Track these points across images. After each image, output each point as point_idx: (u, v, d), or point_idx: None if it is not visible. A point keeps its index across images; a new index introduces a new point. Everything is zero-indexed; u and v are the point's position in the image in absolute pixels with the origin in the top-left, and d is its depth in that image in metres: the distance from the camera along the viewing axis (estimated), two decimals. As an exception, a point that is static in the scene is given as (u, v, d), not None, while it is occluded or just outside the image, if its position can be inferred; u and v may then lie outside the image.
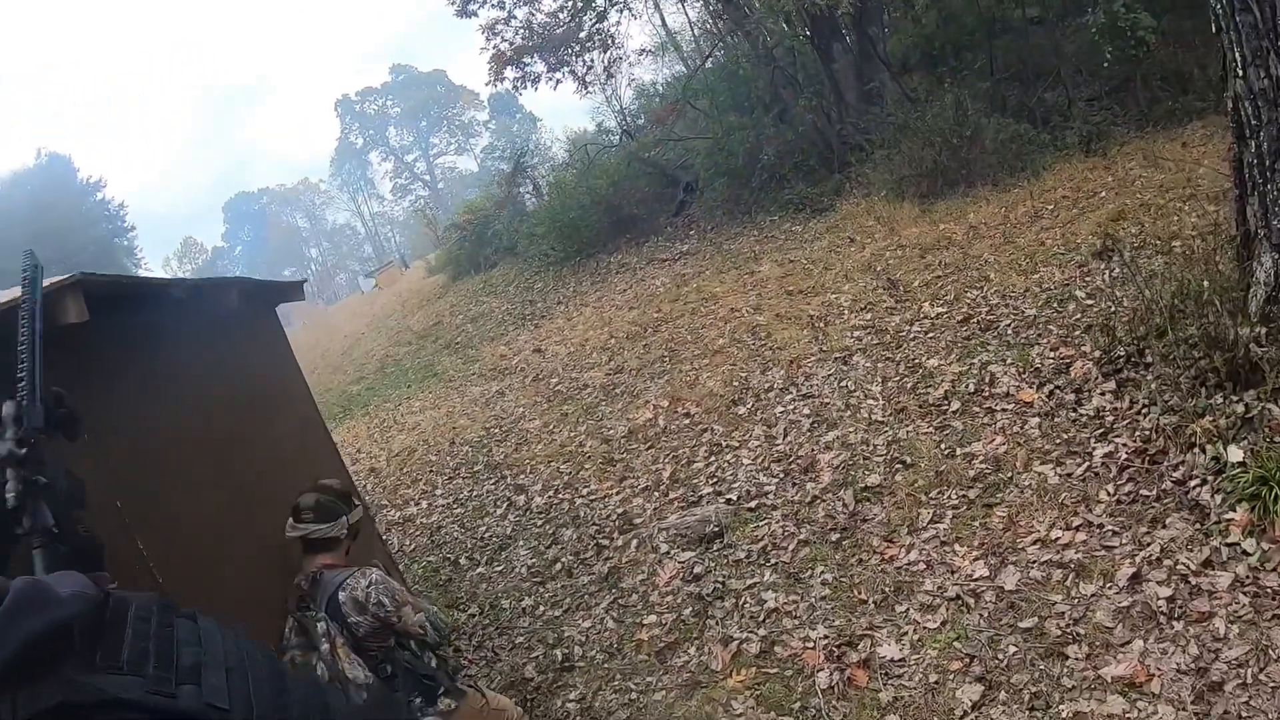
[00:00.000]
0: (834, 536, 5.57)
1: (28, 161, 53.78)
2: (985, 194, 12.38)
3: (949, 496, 5.43)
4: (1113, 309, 6.67)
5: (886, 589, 4.88)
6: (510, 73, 22.70)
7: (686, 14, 30.70)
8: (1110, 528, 4.58)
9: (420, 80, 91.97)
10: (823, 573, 5.26)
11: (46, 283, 3.22)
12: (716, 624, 5.26)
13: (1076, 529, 4.67)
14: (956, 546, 4.95)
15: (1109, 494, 4.84)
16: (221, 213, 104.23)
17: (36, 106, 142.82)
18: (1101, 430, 5.43)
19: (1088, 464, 5.16)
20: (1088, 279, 7.85)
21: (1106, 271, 7.76)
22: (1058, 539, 4.66)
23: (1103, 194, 10.36)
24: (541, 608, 6.42)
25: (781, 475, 6.71)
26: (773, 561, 5.61)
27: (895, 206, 13.51)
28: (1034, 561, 4.60)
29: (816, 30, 17.02)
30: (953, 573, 4.78)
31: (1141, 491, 4.75)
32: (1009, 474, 5.38)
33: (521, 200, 26.13)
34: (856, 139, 16.31)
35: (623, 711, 4.90)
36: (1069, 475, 5.15)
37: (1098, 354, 6.19)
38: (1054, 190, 11.27)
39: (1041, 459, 5.41)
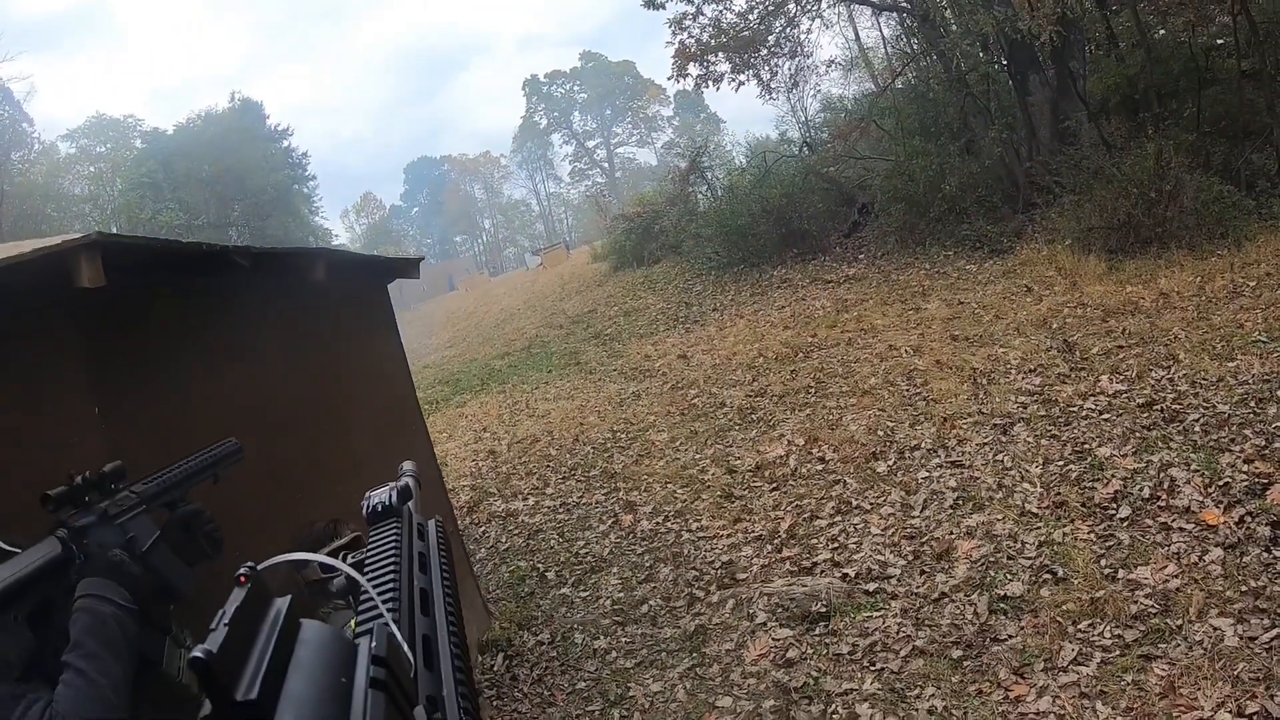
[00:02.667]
0: (956, 653, 4.76)
1: (222, 103, 56.02)
2: (1180, 258, 11.33)
3: (1102, 633, 4.52)
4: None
5: (1004, 741, 4.08)
6: (694, 69, 22.44)
7: (880, 29, 30.13)
8: (1295, 724, 3.65)
9: (609, 69, 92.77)
10: (932, 697, 4.46)
11: (59, 239, 2.91)
12: (798, 731, 4.54)
13: (1250, 717, 3.71)
14: (1099, 705, 4.03)
15: (1299, 677, 3.86)
16: (403, 174, 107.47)
17: (239, 55, 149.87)
18: (1301, 586, 4.46)
19: (1278, 630, 4.16)
20: (1293, 377, 6.83)
21: (1318, 372, 6.75)
22: (1225, 726, 3.75)
23: (1314, 276, 9.26)
24: (614, 654, 5.90)
25: (911, 557, 5.95)
26: (878, 667, 4.85)
27: (1080, 259, 12.58)
28: (1191, 750, 3.74)
29: (1014, 59, 16.40)
30: (1089, 738, 3.93)
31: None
32: (1178, 620, 4.44)
33: (693, 199, 25.80)
34: (1046, 179, 15.48)
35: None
36: (1252, 640, 4.15)
37: (1303, 478, 5.24)
38: (1257, 265, 10.17)
39: (1220, 608, 4.44)
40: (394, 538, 1.35)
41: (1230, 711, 3.75)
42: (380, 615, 1.07)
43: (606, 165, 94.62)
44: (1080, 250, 12.83)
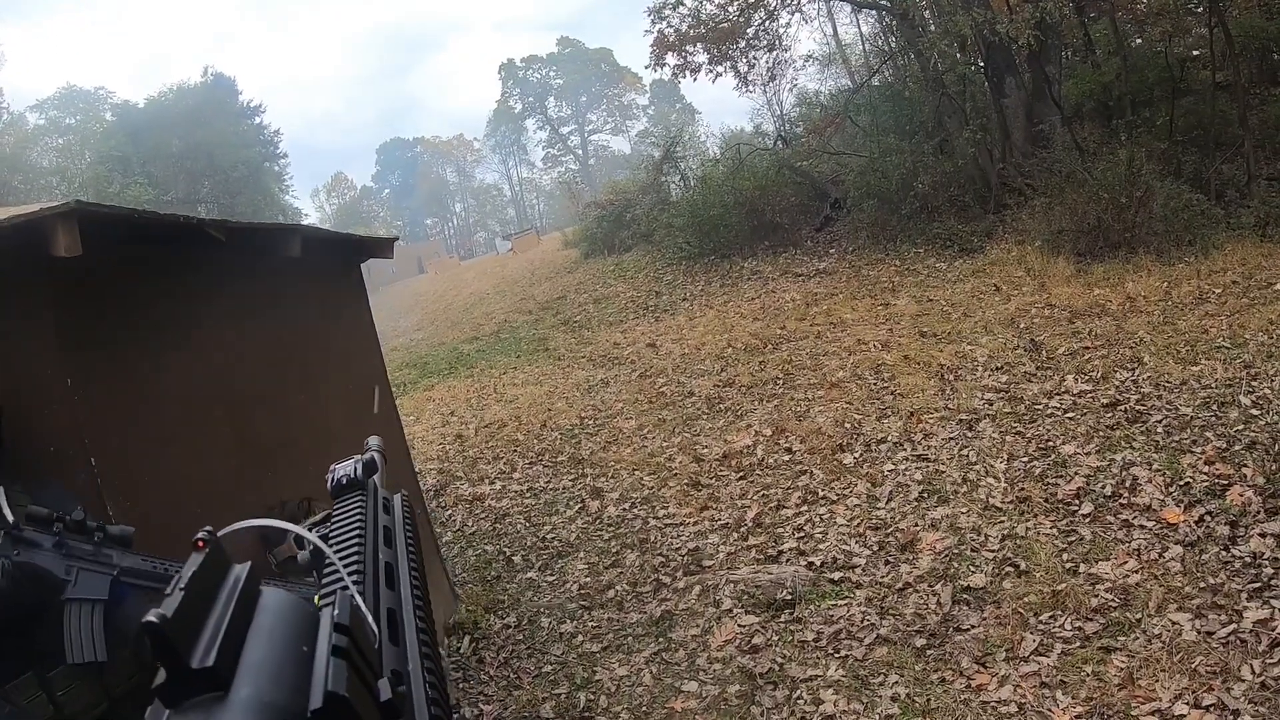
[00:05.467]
0: (919, 641, 4.82)
1: (194, 78, 55.23)
2: (1147, 263, 11.50)
3: (1063, 625, 4.60)
4: (1285, 429, 5.84)
5: (965, 728, 4.14)
6: (671, 59, 22.36)
7: (859, 26, 30.28)
8: (1248, 718, 3.72)
9: (586, 56, 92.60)
10: (896, 684, 4.52)
11: (36, 207, 2.87)
12: (761, 715, 4.59)
13: (1207, 709, 3.79)
14: (1059, 694, 4.12)
15: (1254, 672, 3.92)
16: (375, 154, 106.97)
17: (212, 27, 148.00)
18: (1257, 584, 4.52)
19: (1234, 626, 4.25)
20: (1255, 383, 6.96)
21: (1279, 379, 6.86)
22: (1181, 717, 3.80)
23: (1278, 286, 9.43)
24: (580, 638, 5.91)
25: (876, 547, 6.01)
26: (843, 654, 4.91)
27: (1048, 260, 12.73)
28: (1147, 740, 3.82)
29: (990, 61, 16.54)
30: (1048, 728, 4.00)
31: (1297, 681, 3.89)
32: (1138, 614, 4.53)
33: (666, 189, 25.76)
34: (1018, 181, 15.60)
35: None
36: (1209, 634, 4.25)
37: (1261, 481, 5.37)
38: (1223, 272, 10.38)
39: (1179, 604, 4.54)
40: (358, 511, 1.34)
41: (1187, 703, 3.84)
42: (344, 584, 1.05)
43: (580, 152, 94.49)
44: (1049, 252, 12.96)
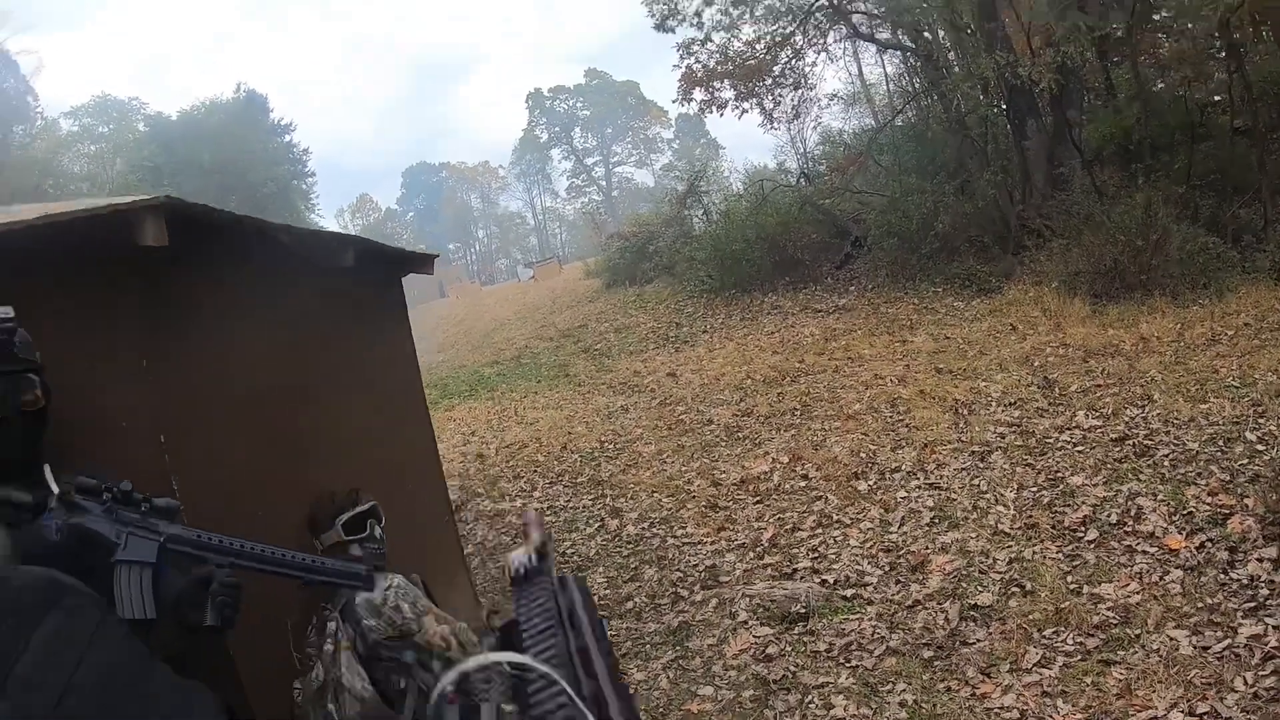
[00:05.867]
0: (927, 653, 5.02)
1: (227, 93, 55.77)
2: (1162, 305, 11.60)
3: (1065, 640, 4.81)
4: (1287, 463, 6.01)
5: (970, 732, 4.33)
6: (698, 94, 22.80)
7: (884, 67, 30.52)
8: (1240, 725, 3.93)
9: (612, 88, 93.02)
10: (904, 692, 4.72)
11: (129, 199, 3.09)
12: (774, 718, 4.79)
13: (1201, 716, 3.99)
14: (1059, 702, 4.32)
15: (1246, 683, 4.11)
16: (401, 177, 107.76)
17: (246, 47, 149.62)
18: (1253, 604, 4.72)
19: (1229, 641, 4.45)
20: (1262, 420, 7.11)
21: (1285, 418, 7.03)
22: (1177, 726, 4.02)
23: (1290, 329, 9.53)
24: (600, 646, 6.02)
25: (887, 568, 6.21)
26: (853, 663, 5.11)
27: (1065, 301, 12.86)
28: (1144, 745, 4.00)
29: (1013, 104, 16.74)
30: (1049, 732, 4.20)
31: (1287, 690, 4.08)
32: (1137, 630, 4.74)
33: (689, 222, 25.98)
34: (1037, 223, 15.72)
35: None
36: (1205, 649, 4.45)
37: (1262, 510, 5.53)
38: (1237, 315, 10.46)
39: (1177, 621, 4.74)
40: (542, 602, 1.42)
41: (1182, 711, 4.02)
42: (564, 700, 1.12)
43: (604, 183, 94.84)
44: (1066, 293, 13.10)
